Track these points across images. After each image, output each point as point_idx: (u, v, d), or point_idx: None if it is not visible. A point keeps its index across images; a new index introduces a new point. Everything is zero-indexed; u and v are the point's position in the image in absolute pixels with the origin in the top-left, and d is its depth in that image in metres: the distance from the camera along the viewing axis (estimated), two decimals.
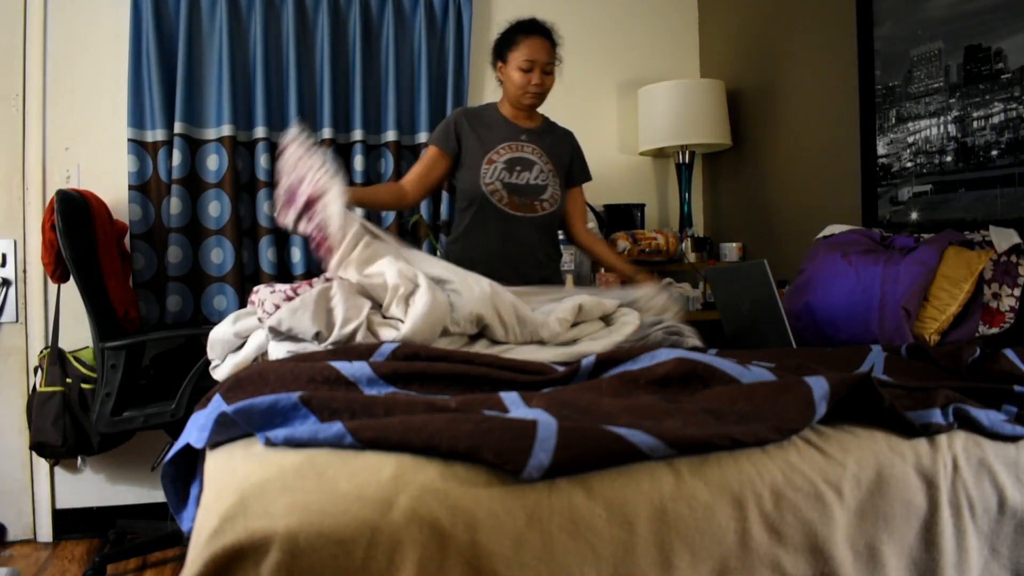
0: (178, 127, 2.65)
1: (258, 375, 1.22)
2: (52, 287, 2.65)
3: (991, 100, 2.01)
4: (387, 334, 1.48)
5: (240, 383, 1.21)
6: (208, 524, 0.82)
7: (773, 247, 2.87)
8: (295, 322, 1.46)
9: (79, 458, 2.59)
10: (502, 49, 2.25)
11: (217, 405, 1.14)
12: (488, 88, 3.10)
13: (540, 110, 2.36)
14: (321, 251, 1.73)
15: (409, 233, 2.94)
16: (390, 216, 2.87)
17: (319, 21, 2.83)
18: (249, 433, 1.05)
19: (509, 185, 2.20)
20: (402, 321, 1.50)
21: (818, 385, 1.08)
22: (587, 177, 2.43)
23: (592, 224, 2.88)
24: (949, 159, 2.14)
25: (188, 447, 1.18)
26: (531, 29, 2.21)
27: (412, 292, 1.54)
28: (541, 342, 1.62)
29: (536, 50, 2.18)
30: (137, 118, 2.66)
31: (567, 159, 2.36)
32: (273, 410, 1.03)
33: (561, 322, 1.64)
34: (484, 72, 3.12)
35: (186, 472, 1.24)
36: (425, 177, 2.25)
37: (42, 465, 2.68)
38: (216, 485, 0.92)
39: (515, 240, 2.23)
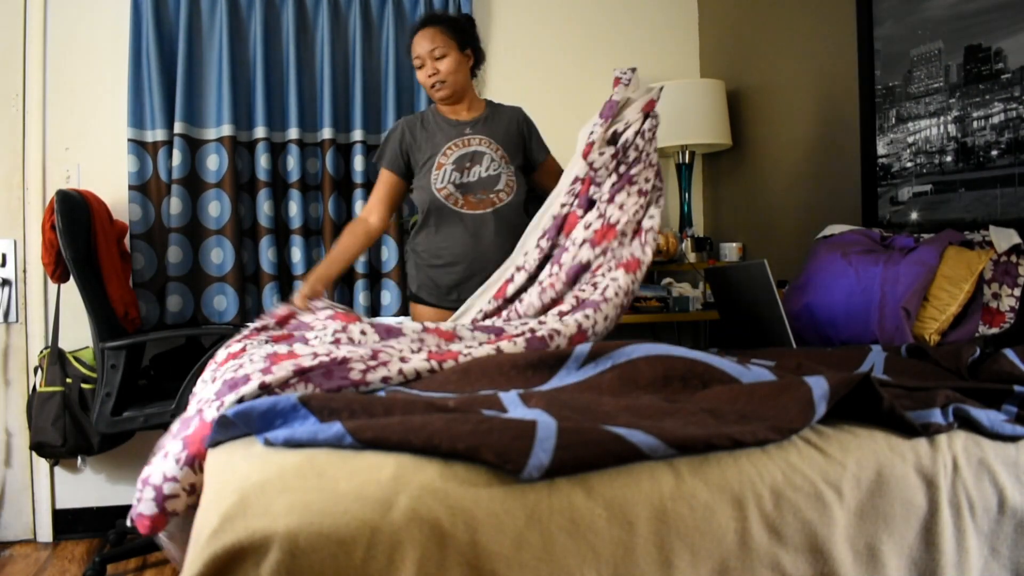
0: (178, 127, 2.65)
1: None
2: (52, 287, 2.65)
3: (991, 100, 2.01)
4: None
5: None
6: (208, 524, 0.82)
7: (773, 247, 2.87)
8: None
9: (79, 458, 2.59)
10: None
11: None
12: (488, 88, 3.10)
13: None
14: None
15: (408, 232, 2.93)
16: None
17: (319, 21, 2.83)
18: (250, 432, 1.05)
19: (462, 185, 2.16)
20: None
21: (818, 385, 1.08)
22: (545, 151, 2.34)
23: None
24: (949, 159, 2.14)
25: None
26: (414, 29, 2.20)
27: None
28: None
29: (418, 44, 2.16)
30: (137, 118, 2.66)
31: (518, 139, 2.27)
32: (272, 411, 1.03)
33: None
34: (483, 71, 3.12)
35: None
36: (386, 199, 2.25)
37: (42, 465, 2.68)
38: (216, 485, 0.92)
39: (479, 238, 2.17)
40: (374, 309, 2.90)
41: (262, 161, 2.73)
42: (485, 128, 2.23)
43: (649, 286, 2.83)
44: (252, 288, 2.78)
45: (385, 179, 2.25)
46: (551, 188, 2.28)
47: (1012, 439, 1.11)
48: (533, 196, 2.54)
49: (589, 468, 0.89)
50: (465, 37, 2.20)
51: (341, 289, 2.86)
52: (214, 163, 2.72)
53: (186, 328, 2.67)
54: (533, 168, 2.34)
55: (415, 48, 2.17)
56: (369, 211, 2.24)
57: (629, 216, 1.92)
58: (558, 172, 2.33)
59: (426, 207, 2.19)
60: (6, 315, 2.67)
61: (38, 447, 2.41)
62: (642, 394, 1.20)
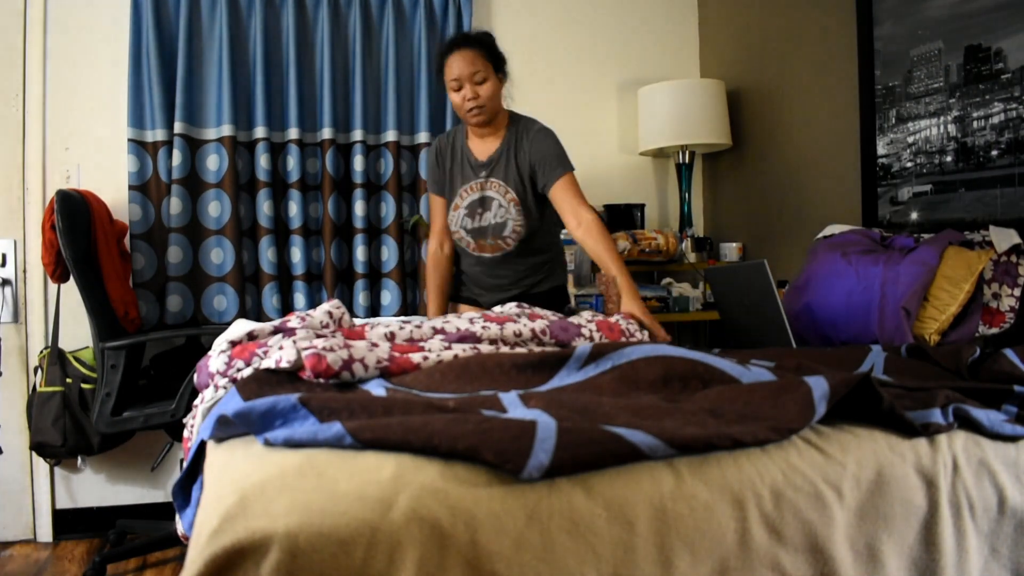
0: (178, 127, 2.65)
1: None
2: (52, 287, 2.65)
3: (991, 100, 2.01)
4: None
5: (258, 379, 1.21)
6: (208, 524, 0.82)
7: (773, 247, 2.87)
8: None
9: (79, 458, 2.59)
10: (440, 77, 2.16)
11: (231, 396, 1.16)
12: None
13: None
14: None
15: (409, 233, 2.94)
16: (389, 216, 2.87)
17: (319, 21, 2.83)
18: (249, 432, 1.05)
19: (473, 231, 2.18)
20: None
21: (818, 385, 1.08)
22: (556, 174, 2.07)
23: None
24: (949, 159, 2.14)
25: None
26: (451, 47, 2.11)
27: None
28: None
29: (458, 65, 2.06)
30: (137, 118, 2.66)
31: (528, 170, 2.13)
32: (272, 412, 1.03)
33: None
34: None
35: (191, 474, 1.24)
36: (446, 224, 2.29)
37: (42, 465, 2.68)
38: (216, 485, 0.92)
39: (491, 274, 2.25)
40: (374, 309, 2.90)
41: (262, 161, 2.73)
42: (499, 169, 2.15)
43: (649, 286, 2.83)
44: (252, 288, 2.78)
45: (438, 205, 2.30)
46: (561, 210, 2.10)
47: (1012, 439, 1.11)
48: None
49: (589, 468, 0.89)
50: (499, 60, 2.13)
51: (341, 289, 2.86)
52: (214, 163, 2.72)
53: (186, 328, 2.67)
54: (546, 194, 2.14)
55: (453, 69, 2.07)
56: (441, 237, 2.31)
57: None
58: (569, 195, 2.08)
59: (450, 234, 2.30)
60: (14, 315, 2.67)
61: (38, 447, 2.41)
62: (642, 394, 1.20)
